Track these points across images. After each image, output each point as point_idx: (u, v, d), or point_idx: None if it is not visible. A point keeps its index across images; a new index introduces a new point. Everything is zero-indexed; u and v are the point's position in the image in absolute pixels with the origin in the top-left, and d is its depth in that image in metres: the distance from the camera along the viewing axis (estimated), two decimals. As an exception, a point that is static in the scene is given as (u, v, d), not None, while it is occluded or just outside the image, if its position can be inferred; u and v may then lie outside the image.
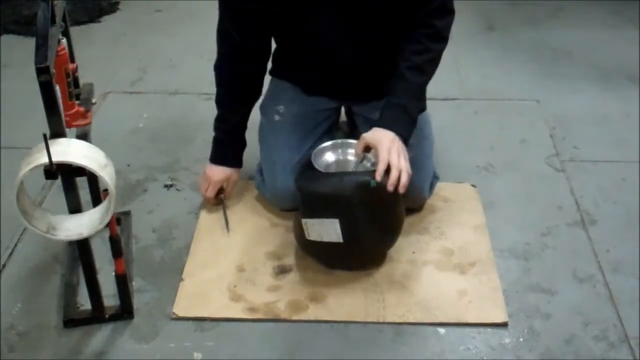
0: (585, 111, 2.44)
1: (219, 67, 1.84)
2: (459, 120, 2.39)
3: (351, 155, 1.71)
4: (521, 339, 1.56)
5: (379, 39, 1.72)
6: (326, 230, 1.57)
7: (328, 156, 1.72)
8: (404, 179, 1.51)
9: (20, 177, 1.30)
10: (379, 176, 1.51)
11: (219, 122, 1.90)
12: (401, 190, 1.51)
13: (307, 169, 1.65)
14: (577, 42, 2.92)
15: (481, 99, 2.52)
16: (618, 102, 2.49)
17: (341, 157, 1.72)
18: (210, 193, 1.90)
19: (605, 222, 1.90)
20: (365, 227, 1.58)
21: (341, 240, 1.57)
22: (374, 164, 1.55)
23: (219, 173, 1.90)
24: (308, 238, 1.61)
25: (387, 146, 1.53)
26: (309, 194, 1.60)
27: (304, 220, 1.59)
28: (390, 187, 1.50)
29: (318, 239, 1.59)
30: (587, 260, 1.78)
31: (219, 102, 1.88)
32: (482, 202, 1.96)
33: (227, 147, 1.91)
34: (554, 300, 1.66)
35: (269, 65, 1.91)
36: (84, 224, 1.42)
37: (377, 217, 1.59)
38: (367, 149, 1.60)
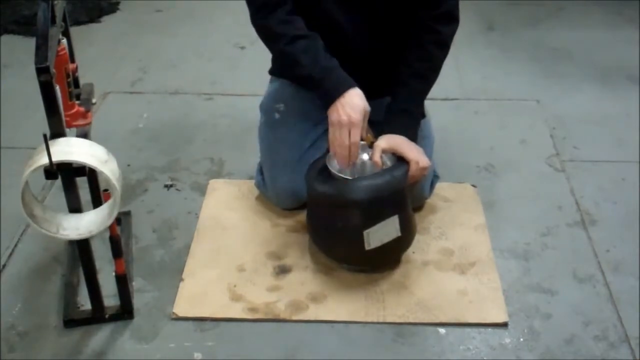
0: (585, 111, 2.44)
1: (278, 31, 1.63)
2: (459, 120, 2.39)
3: (365, 156, 1.71)
4: (521, 339, 1.56)
5: (389, 32, 1.72)
6: (387, 230, 1.59)
7: None
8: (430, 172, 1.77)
9: (24, 179, 1.30)
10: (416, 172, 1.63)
11: (320, 58, 1.61)
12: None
13: (339, 181, 1.61)
14: (577, 42, 2.93)
15: (481, 99, 2.52)
16: (618, 102, 2.49)
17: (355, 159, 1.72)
18: (359, 124, 1.55)
19: (605, 222, 1.90)
20: (411, 213, 1.70)
21: (399, 234, 1.61)
22: (393, 167, 1.62)
23: (359, 96, 1.56)
24: (368, 248, 1.59)
25: (408, 147, 1.64)
26: (369, 203, 1.57)
27: (365, 232, 1.58)
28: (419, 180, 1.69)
29: (378, 244, 1.60)
30: (587, 260, 1.77)
31: (306, 48, 1.61)
32: (482, 202, 1.96)
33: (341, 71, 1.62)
34: (554, 300, 1.66)
35: (269, 64, 1.90)
36: (93, 221, 1.42)
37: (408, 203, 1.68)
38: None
